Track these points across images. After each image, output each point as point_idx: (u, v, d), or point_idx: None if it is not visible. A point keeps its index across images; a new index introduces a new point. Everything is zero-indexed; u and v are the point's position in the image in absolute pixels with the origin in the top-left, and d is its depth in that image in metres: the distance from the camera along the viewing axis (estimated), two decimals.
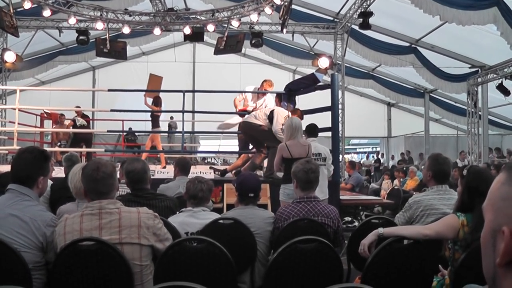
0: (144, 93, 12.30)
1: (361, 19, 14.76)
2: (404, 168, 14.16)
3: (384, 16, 15.38)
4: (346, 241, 4.32)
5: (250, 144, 8.61)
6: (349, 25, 16.77)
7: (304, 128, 7.13)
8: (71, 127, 13.51)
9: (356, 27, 16.20)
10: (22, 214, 2.94)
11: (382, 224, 3.83)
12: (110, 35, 16.30)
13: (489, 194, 1.11)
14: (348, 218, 7.57)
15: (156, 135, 11.88)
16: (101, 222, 2.86)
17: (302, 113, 8.21)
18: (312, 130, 7.24)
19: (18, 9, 14.89)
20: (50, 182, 4.83)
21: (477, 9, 12.40)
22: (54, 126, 13.93)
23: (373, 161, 26.02)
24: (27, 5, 13.80)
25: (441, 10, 12.73)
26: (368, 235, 3.31)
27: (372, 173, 21.90)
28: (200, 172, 7.96)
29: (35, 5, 14.24)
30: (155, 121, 11.94)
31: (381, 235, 3.28)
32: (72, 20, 15.41)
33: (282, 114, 7.72)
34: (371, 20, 14.67)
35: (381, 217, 4.36)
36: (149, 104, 11.71)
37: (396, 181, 13.29)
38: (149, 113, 11.91)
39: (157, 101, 11.68)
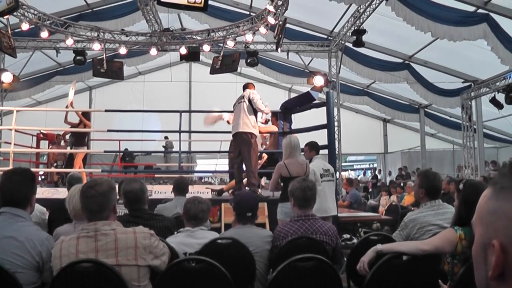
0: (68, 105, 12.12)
1: (355, 37, 14.86)
2: (402, 184, 14.17)
3: (377, 33, 15.49)
4: (345, 258, 4.32)
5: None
6: (343, 42, 16.87)
7: (304, 145, 7.18)
8: (67, 147, 13.48)
9: (350, 45, 16.30)
10: (18, 235, 2.95)
11: (381, 241, 3.83)
12: (107, 55, 16.36)
13: (477, 209, 1.14)
14: (347, 235, 7.58)
15: (80, 154, 11.72)
16: (97, 244, 2.85)
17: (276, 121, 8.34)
18: (316, 147, 7.24)
19: (16, 30, 14.96)
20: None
21: (468, 25, 12.59)
22: (50, 147, 13.91)
23: (370, 178, 26.01)
24: (25, 26, 13.91)
25: (432, 27, 12.87)
26: (367, 252, 3.33)
27: (370, 190, 21.91)
28: (198, 192, 7.97)
29: (33, 26, 14.33)
30: (81, 138, 11.82)
31: (380, 252, 3.30)
32: (70, 41, 15.49)
33: (257, 95, 7.92)
34: (365, 38, 14.76)
35: (379, 233, 4.37)
36: (71, 121, 11.70)
37: (393, 197, 13.30)
38: (73, 129, 11.70)
39: (87, 116, 11.69)
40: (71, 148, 12.00)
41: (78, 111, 11.70)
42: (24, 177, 3.21)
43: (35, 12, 14.30)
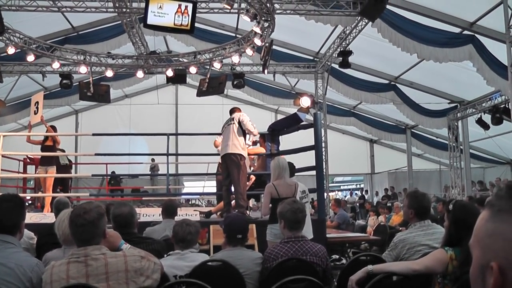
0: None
1: (341, 58, 14.98)
2: (389, 204, 14.19)
3: (363, 54, 15.63)
4: (335, 279, 4.31)
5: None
6: (329, 64, 17.00)
7: None
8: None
9: (336, 66, 16.42)
10: (7, 261, 2.93)
11: (371, 261, 3.84)
12: (93, 79, 16.38)
13: (474, 231, 1.14)
14: (335, 256, 7.56)
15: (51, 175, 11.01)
16: (88, 269, 2.83)
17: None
18: (291, 169, 7.23)
19: (2, 54, 14.96)
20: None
21: (453, 46, 12.71)
22: (38, 172, 13.81)
23: (357, 198, 26.04)
24: (11, 51, 13.95)
25: (418, 48, 12.96)
26: (358, 272, 3.32)
27: (357, 210, 21.93)
28: (186, 214, 7.92)
29: (19, 50, 14.33)
30: (50, 157, 11.13)
31: (371, 272, 3.29)
32: (56, 65, 15.53)
33: (246, 117, 7.98)
34: (351, 59, 14.88)
35: (369, 253, 4.37)
36: (34, 139, 11.42)
37: (381, 217, 13.32)
38: (43, 148, 11.13)
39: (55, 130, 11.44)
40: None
41: (46, 124, 11.54)
42: (13, 204, 3.20)
43: (21, 36, 14.31)
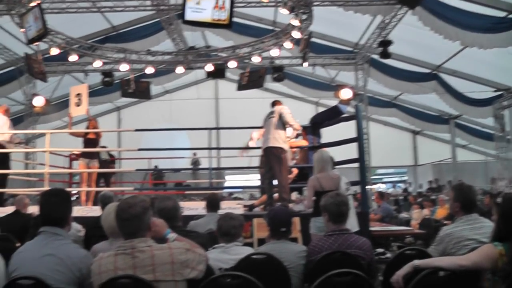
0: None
1: (381, 48, 14.81)
2: (433, 197, 13.96)
3: (404, 44, 15.42)
4: (379, 273, 4.25)
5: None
6: (369, 55, 16.85)
7: None
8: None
9: (376, 57, 16.26)
10: (58, 252, 3.09)
11: (417, 255, 3.75)
12: (134, 76, 16.59)
13: None
14: (380, 250, 7.47)
15: (94, 167, 11.01)
16: (134, 261, 2.87)
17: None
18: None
19: (46, 55, 15.30)
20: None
21: (498, 31, 12.31)
22: (79, 163, 14.04)
23: (400, 191, 25.70)
24: (55, 51, 14.32)
25: (461, 35, 12.66)
26: (404, 267, 3.26)
27: (400, 203, 21.65)
28: (229, 208, 7.94)
29: (62, 51, 14.65)
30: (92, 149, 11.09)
31: (417, 267, 3.23)
32: (97, 63, 15.86)
33: (287, 110, 7.95)
34: (391, 49, 14.71)
35: (415, 248, 4.26)
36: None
37: (426, 211, 13.10)
38: (86, 141, 11.07)
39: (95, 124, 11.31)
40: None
41: (91, 117, 11.64)
42: (60, 198, 3.35)
43: (63, 37, 14.63)
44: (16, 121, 17.73)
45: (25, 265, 3.09)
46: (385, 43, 14.62)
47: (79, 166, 11.00)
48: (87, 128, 11.00)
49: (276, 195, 8.08)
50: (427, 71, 17.24)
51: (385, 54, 14.82)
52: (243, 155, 10.13)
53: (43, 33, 11.09)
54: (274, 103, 8.39)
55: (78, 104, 11.26)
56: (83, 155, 11.05)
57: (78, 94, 11.33)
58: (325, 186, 6.10)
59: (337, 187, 6.11)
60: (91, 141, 10.92)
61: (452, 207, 4.22)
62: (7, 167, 10.35)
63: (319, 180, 6.19)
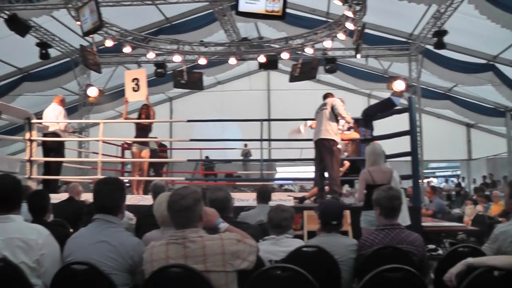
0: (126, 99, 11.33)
1: (436, 39, 14.56)
2: (487, 193, 13.64)
3: (459, 33, 15.09)
4: (431, 270, 4.20)
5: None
6: (423, 45, 16.55)
7: None
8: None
9: (431, 47, 15.97)
10: (111, 239, 3.17)
11: (470, 253, 3.70)
12: (186, 67, 16.78)
13: None
14: (431, 246, 7.38)
15: (146, 154, 10.83)
16: (186, 251, 2.92)
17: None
18: None
19: (100, 47, 15.65)
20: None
21: None
22: (132, 149, 14.27)
23: (453, 186, 25.19)
24: (109, 43, 14.66)
25: None
26: (457, 264, 3.21)
27: (453, 198, 21.25)
28: (280, 200, 7.97)
29: (116, 43, 14.96)
30: (147, 136, 10.99)
31: (470, 265, 3.17)
32: (151, 55, 16.11)
33: (339, 102, 7.97)
34: (446, 39, 14.42)
35: (468, 245, 4.16)
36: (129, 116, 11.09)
37: (479, 207, 12.81)
38: (137, 127, 10.82)
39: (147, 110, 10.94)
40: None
41: (149, 103, 11.34)
42: (114, 186, 3.43)
43: (118, 29, 14.91)
44: (71, 110, 18.19)
45: (79, 251, 3.18)
46: (440, 33, 14.36)
47: (131, 153, 10.96)
48: (140, 113, 10.89)
49: (326, 187, 8.07)
50: (483, 61, 16.74)
51: (440, 45, 14.57)
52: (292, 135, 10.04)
53: (99, 26, 11.31)
54: (326, 96, 8.36)
55: (135, 89, 11.24)
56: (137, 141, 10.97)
57: (135, 79, 11.26)
58: (376, 179, 6.06)
59: (389, 181, 6.06)
60: (144, 127, 10.89)
61: (507, 204, 4.13)
62: (62, 155, 10.63)
63: (371, 174, 6.15)
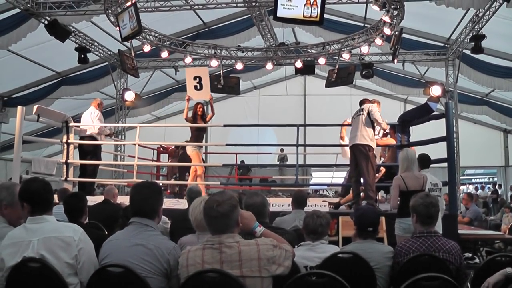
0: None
1: (473, 43, 14.39)
2: None
3: (497, 38, 14.89)
4: (467, 279, 4.17)
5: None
6: (460, 50, 16.36)
7: None
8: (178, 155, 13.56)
9: (468, 52, 15.79)
10: (147, 243, 3.19)
11: (509, 263, 3.65)
12: (223, 71, 16.90)
13: None
14: (468, 254, 7.30)
15: (195, 154, 10.56)
16: (222, 256, 2.93)
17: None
18: (425, 161, 7.08)
19: (138, 52, 15.89)
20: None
21: None
22: (170, 160, 14.39)
23: (489, 193, 24.74)
24: (147, 48, 14.86)
25: None
26: (495, 274, 3.20)
27: (490, 206, 20.90)
28: (315, 205, 7.99)
29: (154, 48, 15.16)
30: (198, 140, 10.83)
31: (509, 275, 3.16)
32: (188, 59, 16.26)
33: (376, 108, 7.99)
34: (484, 43, 14.25)
35: (507, 254, 4.12)
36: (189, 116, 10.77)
37: None
38: (196, 127, 10.76)
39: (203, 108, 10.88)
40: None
41: (212, 105, 11.42)
42: (152, 190, 3.45)
43: (156, 35, 15.12)
44: (108, 114, 18.52)
45: (115, 253, 3.22)
46: (478, 38, 14.17)
47: (192, 157, 10.60)
48: (195, 112, 10.84)
49: (362, 193, 8.07)
50: None
51: (478, 49, 14.38)
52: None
53: (138, 31, 11.45)
54: (363, 102, 8.36)
55: (197, 88, 11.14)
56: (192, 141, 10.79)
57: (197, 77, 11.11)
58: (410, 185, 6.07)
59: (422, 187, 6.07)
60: (201, 129, 10.91)
61: None
62: (98, 158, 10.80)
63: (403, 180, 6.15)
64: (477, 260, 7.23)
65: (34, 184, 3.42)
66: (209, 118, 11.25)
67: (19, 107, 9.23)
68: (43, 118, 9.97)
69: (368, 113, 7.90)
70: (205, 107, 10.97)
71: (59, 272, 3.08)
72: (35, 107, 9.67)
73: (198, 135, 10.90)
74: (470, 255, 7.37)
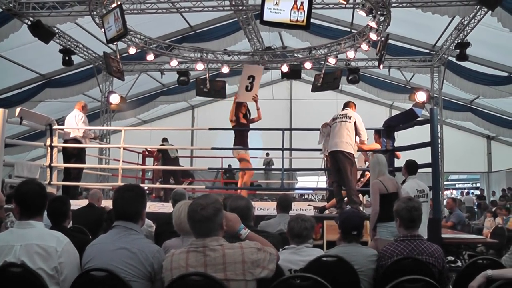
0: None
1: (458, 50, 14.51)
2: (507, 205, 13.58)
3: (482, 46, 15.04)
4: (449, 282, 4.21)
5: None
6: (445, 57, 16.49)
7: (403, 165, 7.16)
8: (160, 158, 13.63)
9: (453, 59, 15.93)
10: (131, 246, 3.18)
11: (489, 265, 3.71)
12: (209, 75, 16.88)
13: None
14: (450, 258, 7.37)
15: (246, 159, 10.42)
16: (206, 259, 2.94)
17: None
18: (413, 167, 7.14)
19: (124, 55, 15.82)
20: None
21: None
22: (155, 163, 14.36)
23: (475, 198, 24.96)
24: (132, 51, 14.81)
25: None
26: (477, 277, 3.24)
27: (475, 210, 21.09)
28: (300, 209, 8.01)
29: (139, 50, 15.13)
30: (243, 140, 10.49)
31: (490, 277, 3.20)
32: (174, 62, 16.28)
33: (360, 118, 8.07)
34: (468, 51, 14.37)
35: (488, 257, 4.19)
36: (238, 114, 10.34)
37: (499, 219, 12.73)
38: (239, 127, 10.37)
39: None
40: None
41: (258, 107, 11.05)
42: (135, 193, 3.43)
43: (142, 37, 15.08)
44: (93, 117, 18.41)
45: (99, 257, 3.20)
46: (463, 45, 14.31)
47: (241, 159, 10.45)
48: (239, 111, 10.54)
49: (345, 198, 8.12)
50: (505, 74, 16.67)
51: (462, 57, 14.51)
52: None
53: (123, 33, 11.38)
54: (348, 105, 8.41)
55: (248, 88, 10.78)
56: (238, 143, 10.51)
57: (251, 77, 10.72)
58: (389, 188, 6.16)
59: (398, 189, 6.17)
60: (245, 126, 10.66)
61: None
62: (83, 162, 10.74)
63: (383, 183, 6.22)
64: (459, 264, 7.29)
65: (27, 187, 3.38)
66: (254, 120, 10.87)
67: (1, 110, 8.97)
68: (26, 121, 9.80)
69: (355, 123, 7.98)
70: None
71: (42, 278, 3.05)
72: (18, 109, 9.52)
73: (239, 136, 10.54)
74: (453, 258, 7.44)
